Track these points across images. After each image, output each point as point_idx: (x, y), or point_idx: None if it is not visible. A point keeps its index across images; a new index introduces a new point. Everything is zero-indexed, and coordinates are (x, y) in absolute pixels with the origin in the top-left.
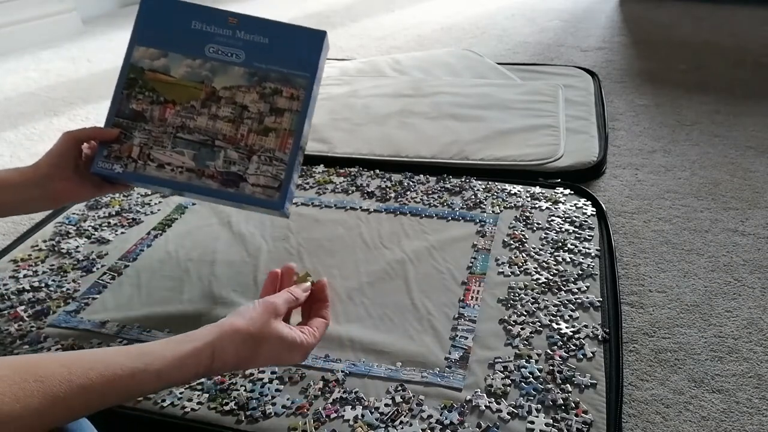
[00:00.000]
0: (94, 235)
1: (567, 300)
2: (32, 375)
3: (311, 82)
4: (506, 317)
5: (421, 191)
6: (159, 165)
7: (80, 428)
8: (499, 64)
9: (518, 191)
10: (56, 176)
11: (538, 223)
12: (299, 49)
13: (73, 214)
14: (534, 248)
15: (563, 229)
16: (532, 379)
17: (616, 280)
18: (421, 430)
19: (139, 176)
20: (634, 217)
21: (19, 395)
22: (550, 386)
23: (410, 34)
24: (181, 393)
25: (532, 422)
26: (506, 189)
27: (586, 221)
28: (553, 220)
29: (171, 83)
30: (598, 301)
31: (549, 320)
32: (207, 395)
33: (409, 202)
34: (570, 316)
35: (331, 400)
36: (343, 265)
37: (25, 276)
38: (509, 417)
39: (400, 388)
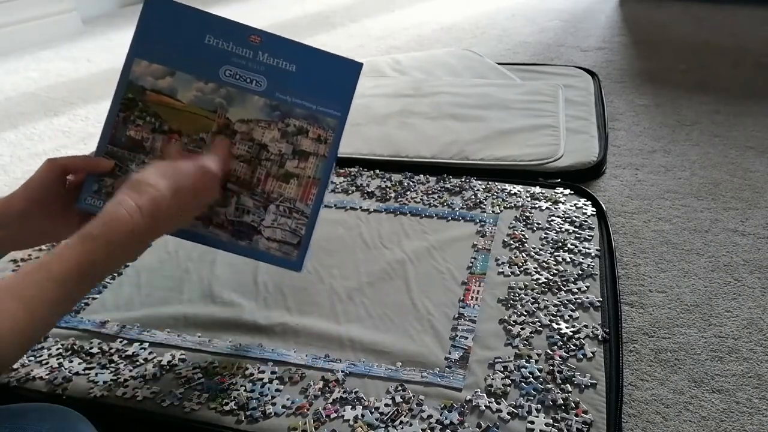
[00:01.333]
0: None
1: (567, 300)
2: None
3: (341, 123)
4: (506, 317)
5: (421, 191)
6: None
7: (80, 428)
8: (499, 64)
9: (518, 191)
10: (34, 213)
11: (538, 223)
12: (331, 81)
13: None
14: (534, 248)
15: (563, 229)
16: (532, 379)
17: (616, 280)
18: (421, 430)
19: None
20: (634, 217)
21: (4, 316)
22: (550, 386)
23: (410, 34)
24: (181, 393)
25: (532, 422)
26: (506, 189)
27: (586, 221)
28: (553, 220)
29: (177, 109)
30: (598, 301)
31: (549, 320)
32: (207, 395)
33: (409, 202)
34: (570, 316)
35: (331, 400)
36: (343, 265)
37: None
38: (509, 417)
39: (400, 388)
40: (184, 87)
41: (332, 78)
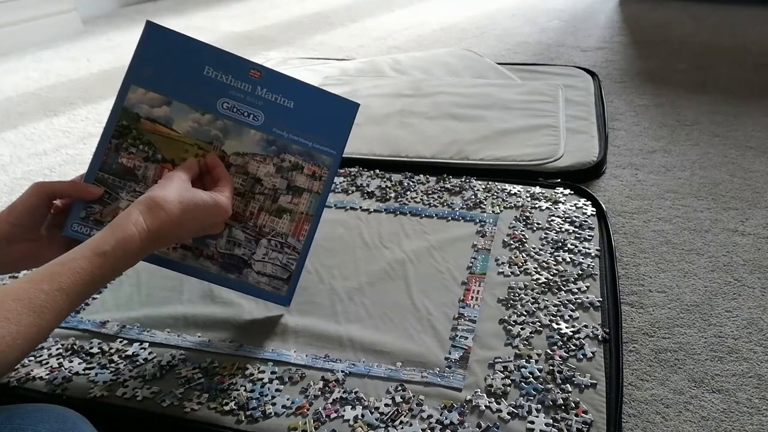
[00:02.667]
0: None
1: (567, 300)
2: (9, 297)
3: (336, 161)
4: (506, 317)
5: (421, 191)
6: None
7: (80, 428)
8: (499, 64)
9: (518, 191)
10: (18, 237)
11: (538, 223)
12: (328, 120)
13: None
14: (534, 248)
15: (563, 229)
16: (532, 379)
17: (616, 280)
18: (421, 430)
19: None
20: (634, 217)
21: (9, 316)
22: (550, 386)
23: (410, 34)
24: (181, 393)
25: (532, 422)
26: (506, 189)
27: (586, 221)
28: (553, 220)
29: (172, 139)
30: (598, 301)
31: (549, 320)
32: (207, 395)
33: (409, 202)
34: (570, 316)
35: (331, 400)
36: (343, 265)
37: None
38: (509, 417)
39: (400, 388)
40: (180, 117)
41: (329, 116)
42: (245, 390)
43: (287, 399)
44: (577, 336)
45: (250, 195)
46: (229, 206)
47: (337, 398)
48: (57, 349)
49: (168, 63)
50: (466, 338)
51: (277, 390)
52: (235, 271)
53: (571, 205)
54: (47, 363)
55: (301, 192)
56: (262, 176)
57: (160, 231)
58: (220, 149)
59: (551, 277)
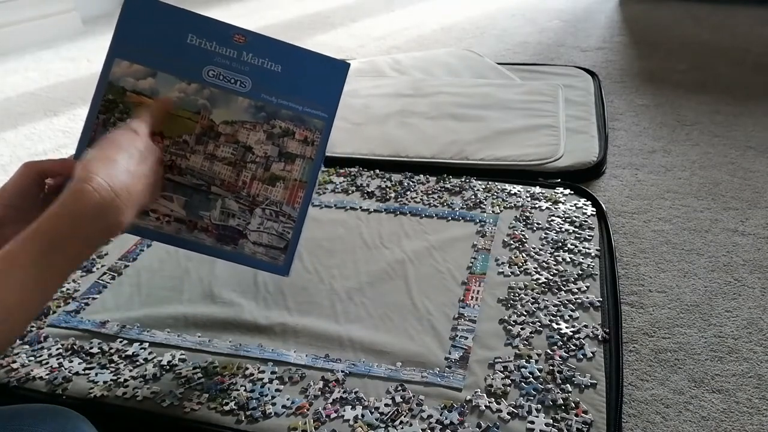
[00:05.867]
0: None
1: (567, 300)
2: None
3: (329, 124)
4: (506, 317)
5: (421, 191)
6: (141, 211)
7: (80, 428)
8: (499, 64)
9: (518, 191)
10: (11, 219)
11: (538, 223)
12: (318, 82)
13: None
14: (534, 248)
15: (563, 229)
16: (532, 379)
17: (616, 280)
18: (421, 430)
19: None
20: (634, 217)
21: None
22: (550, 386)
23: (410, 34)
24: (181, 393)
25: (532, 422)
26: (506, 189)
27: (586, 221)
28: (553, 220)
29: None
30: (598, 301)
31: (549, 320)
32: (207, 395)
33: (409, 202)
34: (570, 316)
35: (331, 400)
36: (343, 265)
37: None
38: (509, 417)
39: (400, 388)
40: (165, 88)
41: (319, 79)
42: (245, 390)
43: (287, 399)
44: (577, 336)
45: (242, 164)
46: (134, 124)
47: (337, 398)
48: (57, 349)
49: (150, 33)
50: (466, 338)
51: (277, 390)
52: (230, 243)
53: (571, 205)
54: (47, 363)
55: (293, 158)
56: (252, 144)
57: (93, 180)
58: (208, 118)
59: (551, 277)
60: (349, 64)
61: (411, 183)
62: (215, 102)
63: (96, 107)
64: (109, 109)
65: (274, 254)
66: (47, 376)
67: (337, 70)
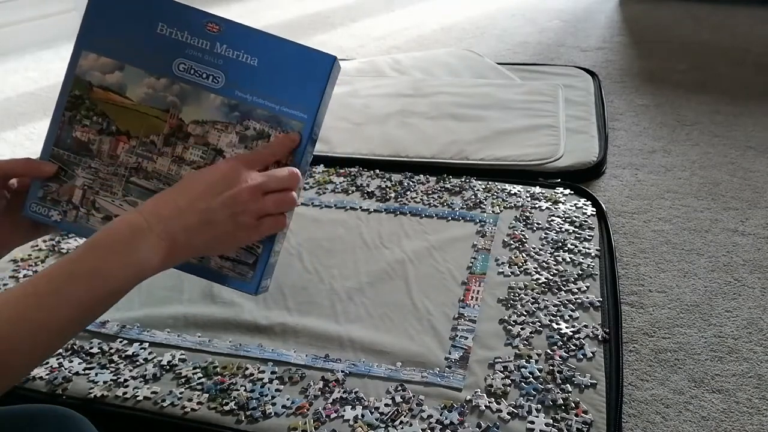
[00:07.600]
0: None
1: (567, 300)
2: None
3: (310, 126)
4: (506, 317)
5: (421, 191)
6: (106, 216)
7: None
8: (499, 64)
9: (518, 191)
10: None
11: (538, 223)
12: (297, 77)
13: None
14: (534, 248)
15: (563, 229)
16: (532, 379)
17: (616, 280)
18: (421, 430)
19: (81, 228)
20: (634, 217)
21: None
22: (550, 386)
23: (410, 34)
24: (181, 393)
25: (532, 422)
26: (506, 189)
27: (586, 221)
28: (553, 220)
29: (126, 108)
30: (598, 301)
31: (549, 320)
32: (207, 395)
33: (409, 202)
34: (570, 316)
35: (331, 400)
36: (343, 265)
37: (25, 276)
38: (509, 417)
39: (400, 388)
40: (133, 83)
41: (300, 74)
42: (245, 390)
43: (287, 399)
44: (577, 336)
45: None
46: (234, 162)
47: (337, 398)
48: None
49: (119, 23)
50: (466, 338)
51: (277, 390)
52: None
53: (571, 205)
54: (47, 363)
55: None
56: (224, 147)
57: (153, 205)
58: (177, 117)
59: (551, 277)
60: (335, 57)
61: (411, 183)
62: (185, 99)
63: (62, 103)
64: (75, 105)
65: (242, 270)
66: (47, 376)
67: (321, 63)
